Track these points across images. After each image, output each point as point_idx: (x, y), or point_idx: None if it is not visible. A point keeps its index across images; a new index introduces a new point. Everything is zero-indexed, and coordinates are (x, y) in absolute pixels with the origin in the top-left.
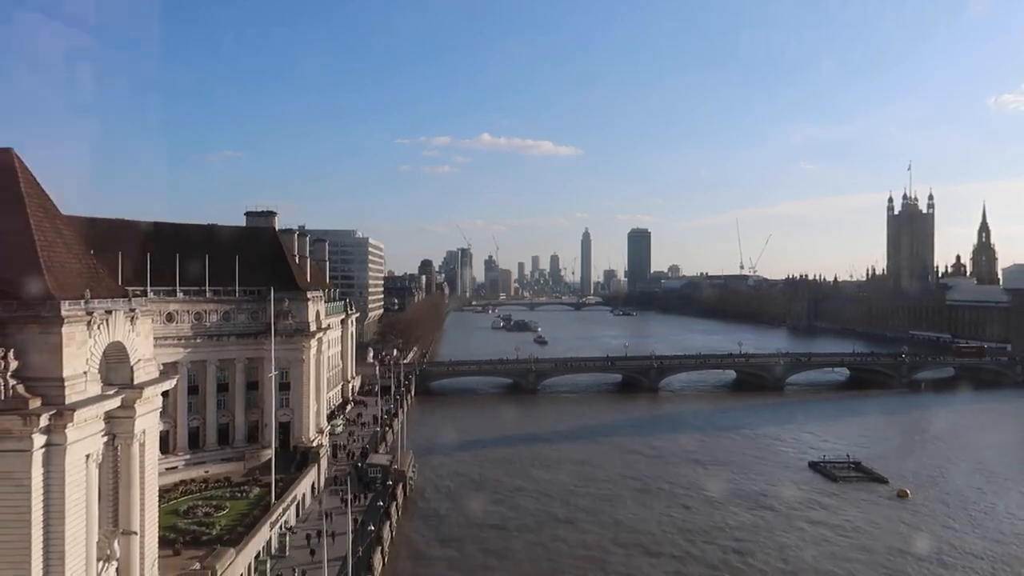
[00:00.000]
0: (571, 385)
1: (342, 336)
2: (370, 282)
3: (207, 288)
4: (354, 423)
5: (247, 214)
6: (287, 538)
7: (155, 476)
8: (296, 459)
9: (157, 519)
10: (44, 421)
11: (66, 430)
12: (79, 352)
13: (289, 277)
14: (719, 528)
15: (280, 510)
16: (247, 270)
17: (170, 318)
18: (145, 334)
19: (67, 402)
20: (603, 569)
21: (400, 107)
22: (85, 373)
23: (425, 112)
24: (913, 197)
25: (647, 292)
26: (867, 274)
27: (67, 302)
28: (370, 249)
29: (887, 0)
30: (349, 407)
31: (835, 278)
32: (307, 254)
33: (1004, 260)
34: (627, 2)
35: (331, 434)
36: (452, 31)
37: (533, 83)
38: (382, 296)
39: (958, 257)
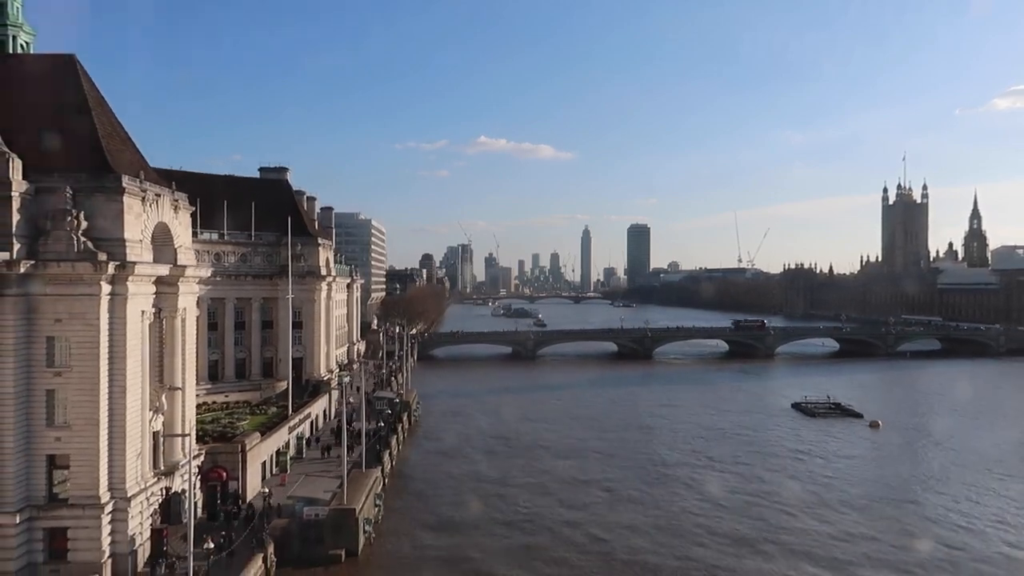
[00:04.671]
0: (568, 353)
1: (347, 300)
2: (373, 263)
3: (225, 231)
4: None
5: (261, 169)
6: (304, 443)
7: (193, 352)
8: (309, 390)
9: (194, 389)
10: (111, 270)
11: (127, 282)
12: (136, 222)
13: (301, 224)
14: (702, 441)
15: (297, 419)
16: (262, 216)
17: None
18: (185, 225)
19: (127, 260)
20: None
21: (399, 110)
22: (140, 241)
23: (425, 115)
24: (907, 188)
25: (647, 287)
26: (861, 262)
27: (126, 177)
28: (373, 231)
29: (886, 5)
30: (355, 366)
31: (830, 268)
32: (315, 217)
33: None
34: (627, 6)
35: (339, 383)
36: (452, 35)
37: (535, 87)
38: (384, 281)
39: (950, 244)
